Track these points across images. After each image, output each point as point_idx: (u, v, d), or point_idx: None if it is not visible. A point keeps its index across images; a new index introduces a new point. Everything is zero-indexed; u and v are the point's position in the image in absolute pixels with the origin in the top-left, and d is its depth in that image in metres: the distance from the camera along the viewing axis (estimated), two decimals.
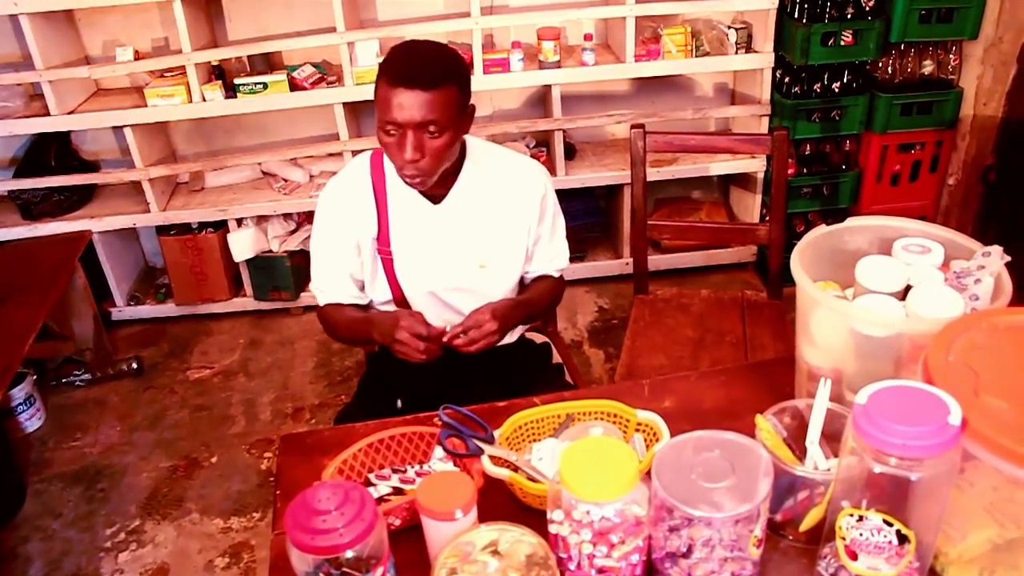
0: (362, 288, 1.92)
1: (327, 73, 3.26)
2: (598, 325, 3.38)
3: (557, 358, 2.15)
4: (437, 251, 1.84)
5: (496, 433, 1.44)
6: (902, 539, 1.08)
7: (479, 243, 1.86)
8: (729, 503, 1.12)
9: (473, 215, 1.83)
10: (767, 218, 2.40)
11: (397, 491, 1.42)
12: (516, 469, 1.38)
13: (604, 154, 3.56)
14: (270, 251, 3.40)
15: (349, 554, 1.11)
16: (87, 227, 3.33)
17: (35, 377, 3.09)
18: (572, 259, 2.04)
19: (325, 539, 1.10)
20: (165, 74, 3.20)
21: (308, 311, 3.54)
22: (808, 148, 3.37)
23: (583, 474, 1.16)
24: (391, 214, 1.82)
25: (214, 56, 3.14)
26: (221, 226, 3.40)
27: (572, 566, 1.21)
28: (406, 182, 1.71)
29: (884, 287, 1.42)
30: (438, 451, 1.47)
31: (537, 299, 1.95)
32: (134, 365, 3.28)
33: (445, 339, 1.71)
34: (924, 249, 1.48)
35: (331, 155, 3.40)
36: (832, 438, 1.30)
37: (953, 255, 1.47)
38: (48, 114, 3.14)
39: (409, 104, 1.57)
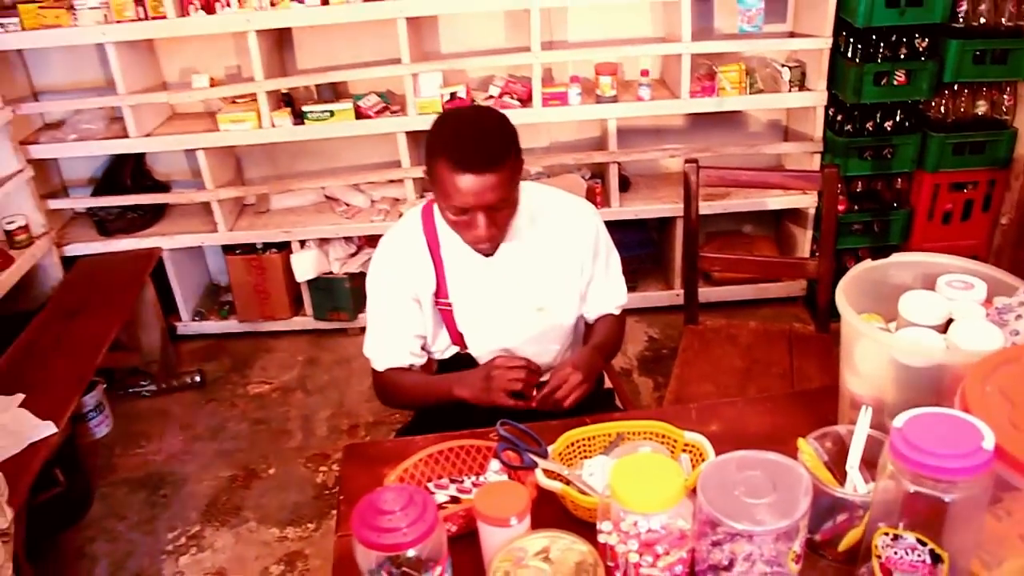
0: (422, 347, 1.96)
1: (391, 102, 3.40)
2: (648, 355, 3.44)
3: (608, 384, 2.22)
4: (494, 299, 1.88)
5: (550, 448, 1.52)
6: (936, 559, 1.13)
7: (535, 288, 1.89)
8: (770, 519, 1.18)
9: (526, 261, 1.87)
10: (817, 253, 2.45)
11: (454, 500, 1.50)
12: (568, 483, 1.45)
13: (657, 187, 3.63)
14: (331, 272, 3.53)
15: (411, 553, 1.19)
16: (158, 244, 3.49)
17: (105, 386, 3.23)
18: None
19: (389, 537, 1.18)
20: (237, 100, 3.36)
21: (364, 332, 3.65)
22: (860, 185, 3.42)
23: (632, 487, 1.23)
24: (447, 267, 1.86)
25: (284, 84, 3.30)
26: (285, 247, 3.53)
27: (619, 575, 1.28)
28: (478, 251, 1.77)
29: (926, 320, 1.47)
30: (494, 464, 1.54)
31: (606, 340, 1.98)
32: (197, 378, 3.42)
33: (536, 405, 1.73)
34: (967, 285, 1.53)
35: (392, 181, 3.53)
36: (872, 465, 1.35)
37: (996, 292, 1.52)
38: (127, 136, 3.31)
39: (479, 189, 1.61)
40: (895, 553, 1.16)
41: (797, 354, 2.42)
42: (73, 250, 3.48)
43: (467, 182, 1.60)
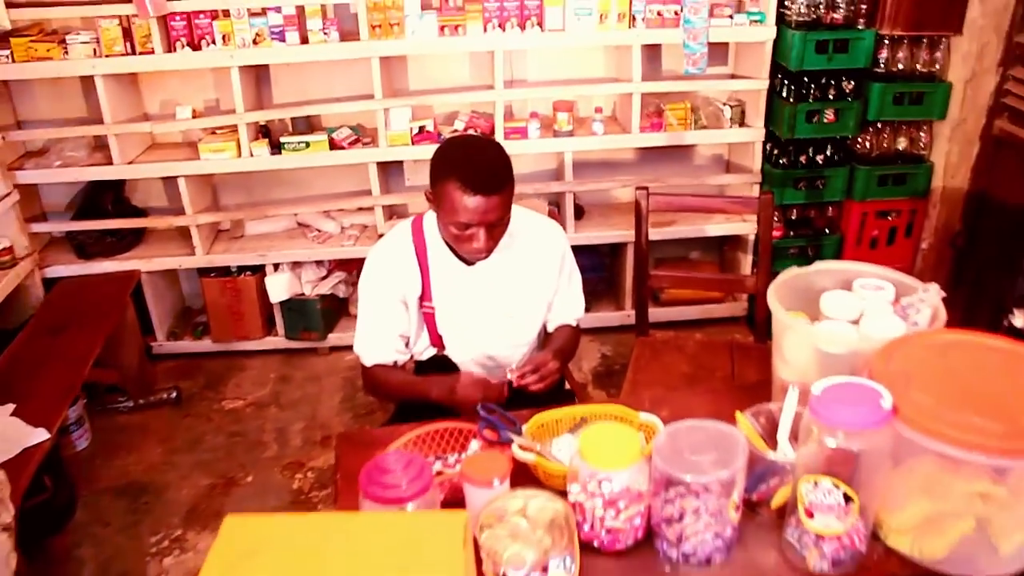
0: (406, 344, 2.18)
1: (362, 135, 3.62)
2: (601, 370, 3.68)
3: (567, 386, 2.45)
4: (472, 304, 2.12)
5: (523, 428, 1.74)
6: (848, 499, 1.37)
7: (507, 296, 2.14)
8: (712, 471, 1.42)
9: (502, 272, 2.11)
10: (756, 271, 2.72)
11: (439, 474, 1.71)
12: (540, 456, 1.68)
13: (610, 215, 3.89)
14: (302, 294, 3.71)
15: (409, 507, 1.40)
16: (136, 267, 3.65)
17: (85, 401, 3.37)
18: None
19: (393, 492, 1.40)
20: (216, 131, 3.55)
21: (335, 351, 3.84)
22: (795, 213, 3.73)
23: (598, 449, 1.46)
24: (432, 274, 2.09)
25: (263, 117, 3.51)
26: (258, 270, 3.72)
27: (587, 527, 1.50)
28: (472, 258, 2.01)
29: (843, 316, 1.74)
30: (474, 443, 1.76)
31: (566, 346, 2.23)
32: (173, 394, 3.57)
33: (514, 380, 1.96)
34: (878, 287, 1.80)
35: (361, 209, 3.74)
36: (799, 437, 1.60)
37: (903, 293, 1.80)
38: (111, 163, 3.48)
39: (485, 208, 1.86)
40: (816, 497, 1.40)
41: (738, 361, 2.67)
42: (54, 272, 3.62)
43: (475, 202, 1.85)
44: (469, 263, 2.07)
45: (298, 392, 3.62)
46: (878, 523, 1.50)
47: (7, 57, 3.26)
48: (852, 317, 1.74)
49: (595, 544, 1.51)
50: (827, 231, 3.72)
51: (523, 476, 1.65)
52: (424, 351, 2.20)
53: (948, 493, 1.43)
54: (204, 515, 2.97)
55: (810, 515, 1.41)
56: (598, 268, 4.00)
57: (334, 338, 3.81)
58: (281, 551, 1.11)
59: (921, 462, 1.43)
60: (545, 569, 1.37)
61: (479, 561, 1.38)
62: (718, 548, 1.48)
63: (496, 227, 1.93)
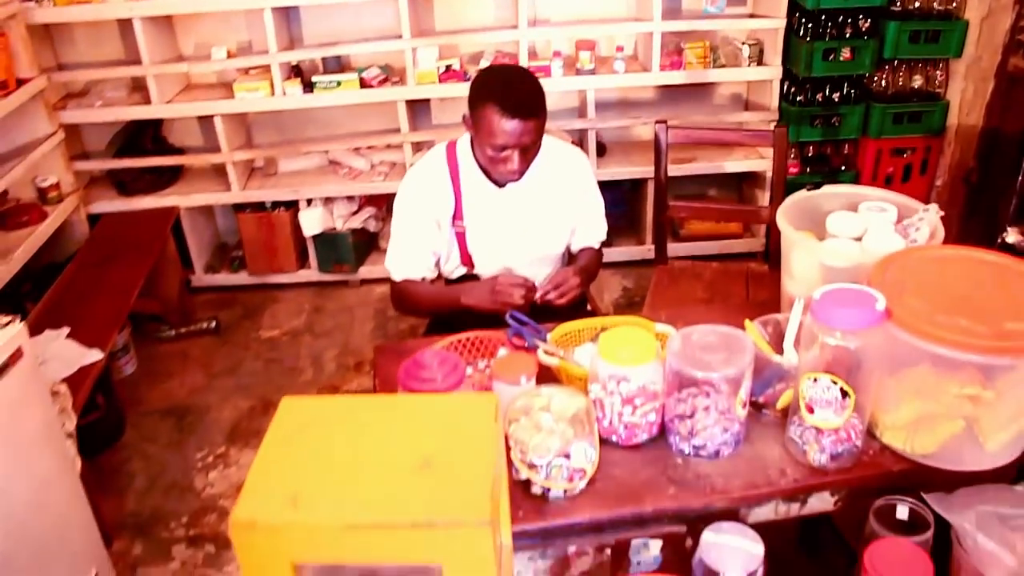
0: (436, 263, 2.32)
1: (390, 74, 3.73)
2: (622, 301, 3.82)
3: (589, 307, 2.59)
4: (501, 224, 2.26)
5: (548, 336, 1.89)
6: (844, 395, 1.51)
7: (535, 217, 2.28)
8: (722, 368, 1.56)
9: (530, 194, 2.25)
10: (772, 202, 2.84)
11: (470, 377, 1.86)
12: (562, 360, 1.82)
13: (631, 153, 4.00)
14: (334, 228, 3.87)
15: None
16: (175, 203, 3.81)
17: (130, 329, 3.55)
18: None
19: (429, 385, 1.55)
20: (250, 71, 3.68)
21: (365, 284, 4.00)
22: (811, 150, 3.82)
23: (617, 349, 1.60)
24: (464, 196, 2.23)
25: (295, 57, 3.63)
26: (292, 206, 3.87)
27: (605, 422, 1.65)
28: (505, 180, 2.14)
29: (847, 233, 1.86)
30: (502, 351, 1.91)
31: (589, 265, 2.37)
32: (213, 324, 3.75)
33: (538, 296, 2.11)
34: (882, 210, 1.92)
35: (390, 146, 3.87)
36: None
37: (906, 215, 1.91)
38: (150, 103, 3.62)
39: (522, 131, 2.00)
40: (815, 393, 1.53)
41: (752, 286, 2.80)
42: (97, 208, 3.79)
43: (512, 126, 1.99)
44: (500, 185, 2.21)
45: (331, 322, 3.79)
46: (874, 422, 1.64)
47: (48, 1, 3.39)
48: (856, 235, 1.86)
49: (613, 439, 1.66)
50: (843, 168, 3.81)
51: (547, 379, 1.79)
52: (454, 270, 2.34)
53: (940, 395, 1.56)
54: (245, 433, 3.15)
55: (810, 410, 1.55)
56: (619, 204, 4.11)
57: (365, 271, 3.97)
58: (332, 425, 1.26)
59: (916, 370, 1.57)
60: (567, 456, 1.52)
61: (507, 450, 1.53)
62: (726, 442, 1.62)
63: (529, 150, 2.07)
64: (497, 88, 2.03)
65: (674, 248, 3.86)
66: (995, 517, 1.48)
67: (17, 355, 2.01)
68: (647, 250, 3.96)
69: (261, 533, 1.12)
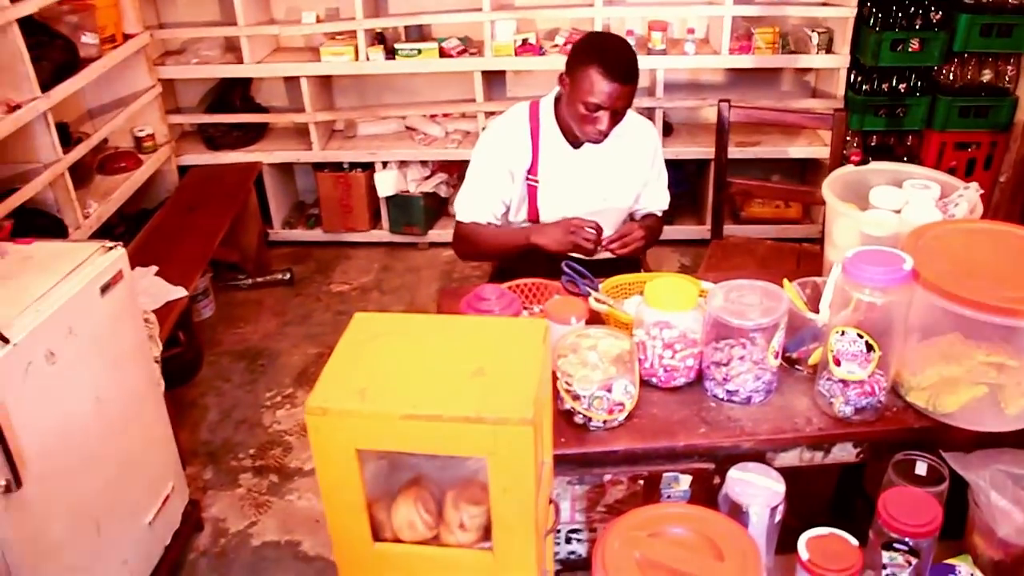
0: (504, 214, 2.48)
1: (469, 45, 3.89)
2: None
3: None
4: (573, 183, 2.41)
5: (600, 285, 2.03)
6: (870, 348, 1.62)
7: (604, 179, 2.43)
8: (757, 319, 1.69)
9: (602, 158, 2.40)
10: None
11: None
12: (611, 308, 1.96)
13: (696, 134, 4.10)
14: (407, 191, 4.05)
15: None
16: (259, 159, 4.03)
17: (211, 275, 3.79)
18: None
19: (487, 314, 1.71)
20: (336, 36, 3.88)
21: (433, 247, 4.18)
22: (875, 140, 3.88)
23: (661, 296, 1.73)
24: (541, 152, 2.39)
25: (379, 24, 3.82)
26: (368, 168, 4.06)
27: (647, 364, 1.78)
28: (590, 139, 2.28)
29: (888, 206, 1.96)
30: (555, 298, 2.06)
31: (652, 226, 2.51)
32: (287, 276, 3.97)
33: (604, 242, 2.27)
34: (925, 187, 2.01)
35: (465, 115, 4.04)
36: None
37: (948, 193, 2.01)
38: (242, 63, 3.84)
39: (618, 95, 2.17)
40: (842, 346, 1.65)
41: (804, 264, 2.90)
42: (186, 160, 4.03)
43: (610, 88, 2.15)
44: (576, 146, 2.36)
45: (398, 280, 3.98)
46: (899, 382, 1.75)
47: None
48: (897, 208, 1.96)
49: (653, 381, 1.80)
50: (905, 159, 3.86)
51: (598, 322, 1.94)
52: (522, 224, 2.49)
53: (966, 360, 1.66)
54: (312, 378, 3.34)
55: (837, 363, 1.66)
56: (682, 184, 4.21)
57: (434, 234, 4.15)
58: (398, 336, 1.43)
59: (946, 337, 1.67)
60: (609, 390, 1.67)
61: (555, 379, 1.68)
62: (757, 390, 1.75)
63: (619, 114, 2.23)
64: (602, 51, 2.19)
65: (733, 230, 3.96)
66: (1008, 477, 1.58)
67: (118, 277, 2.22)
68: (706, 230, 4.04)
69: (331, 419, 1.29)
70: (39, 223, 3.02)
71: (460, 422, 1.26)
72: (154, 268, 3.10)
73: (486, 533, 1.40)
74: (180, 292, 3.01)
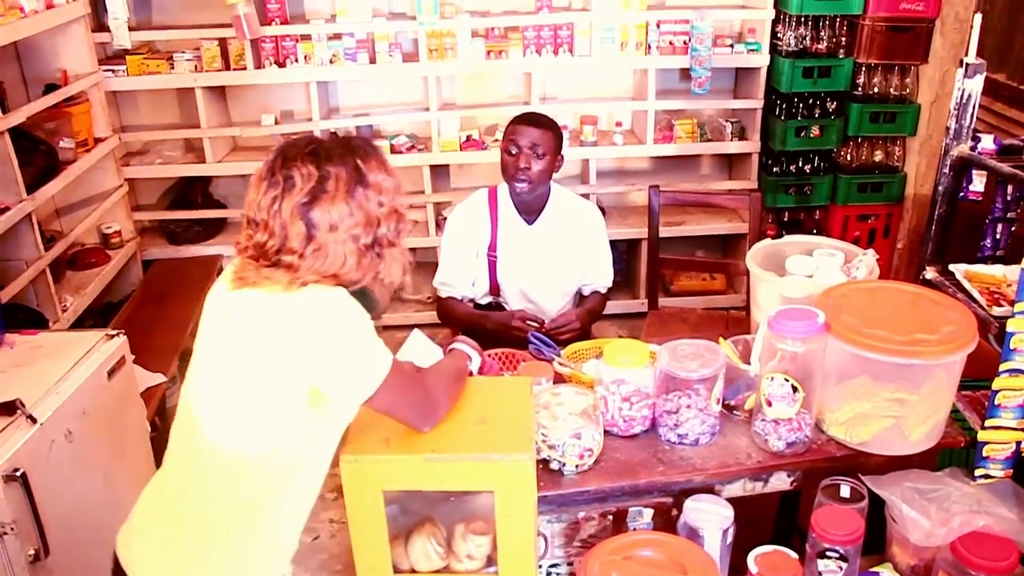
0: (472, 285, 2.79)
1: (416, 142, 4.22)
2: None
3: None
4: (527, 257, 2.73)
5: (562, 352, 2.33)
6: (795, 390, 1.94)
7: (555, 254, 2.75)
8: (701, 371, 1.99)
9: (552, 234, 2.74)
10: None
11: None
12: (573, 370, 2.25)
13: (627, 216, 4.47)
14: None
15: None
16: (220, 251, 4.26)
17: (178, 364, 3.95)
18: None
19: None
20: (292, 136, 4.16)
21: (387, 329, 4.39)
22: (786, 215, 4.31)
23: (618, 356, 2.03)
24: (499, 229, 2.72)
25: (333, 125, 4.12)
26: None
27: (608, 416, 2.06)
28: (516, 186, 2.61)
29: (802, 272, 2.32)
30: (522, 366, 2.34)
31: (595, 307, 2.85)
32: None
33: (546, 327, 2.57)
34: (831, 254, 2.38)
35: (412, 206, 4.34)
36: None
37: (850, 259, 2.37)
38: (204, 162, 4.10)
39: (527, 135, 2.56)
40: (772, 389, 1.96)
41: (732, 328, 3.24)
42: (148, 255, 4.23)
43: (519, 129, 2.58)
44: (530, 223, 2.69)
45: None
46: (821, 419, 2.06)
47: (124, 71, 3.89)
48: (809, 274, 2.32)
49: (615, 430, 2.07)
50: (815, 231, 4.29)
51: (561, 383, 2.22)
52: (483, 297, 2.79)
53: (874, 398, 1.99)
54: None
55: (769, 404, 1.97)
56: (617, 263, 4.50)
57: (387, 318, 4.38)
58: None
59: (856, 380, 2.00)
60: (579, 437, 1.94)
61: None
62: (704, 433, 2.04)
63: (536, 159, 2.57)
64: (520, 115, 2.67)
65: (665, 302, 4.30)
66: (916, 492, 1.88)
67: (122, 362, 2.44)
68: (640, 304, 4.40)
69: (362, 465, 1.55)
70: (21, 317, 3.18)
71: (471, 461, 1.53)
72: (132, 356, 3.27)
73: (491, 561, 1.66)
74: (160, 378, 3.20)
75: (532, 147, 2.57)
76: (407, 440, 1.57)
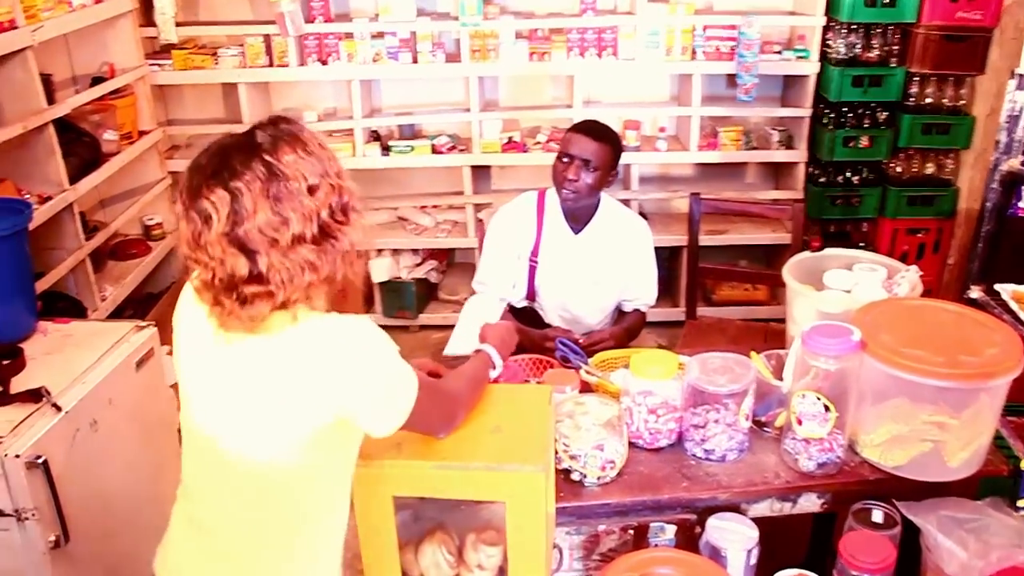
0: (512, 286, 2.73)
1: (457, 142, 4.21)
2: None
3: None
4: (569, 266, 2.67)
5: (590, 360, 2.28)
6: (827, 409, 1.87)
7: (598, 266, 2.69)
8: (730, 386, 1.93)
9: (599, 246, 2.68)
10: None
11: None
12: (600, 379, 2.21)
13: (669, 224, 4.39)
14: (400, 277, 4.30)
15: None
16: None
17: None
18: None
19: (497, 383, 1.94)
20: (333, 133, 4.17)
21: (424, 329, 4.41)
22: (833, 228, 4.21)
23: (645, 367, 1.98)
24: (544, 235, 2.67)
25: (375, 124, 4.13)
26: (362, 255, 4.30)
27: (634, 428, 2.02)
28: (564, 195, 2.56)
29: (840, 286, 2.25)
30: (551, 371, 2.30)
31: (632, 327, 2.78)
32: None
33: (581, 343, 2.51)
34: (873, 269, 2.30)
35: (453, 207, 4.33)
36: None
37: (893, 275, 2.30)
38: None
39: (582, 145, 2.50)
40: (804, 408, 1.90)
41: (770, 341, 3.15)
42: None
43: (574, 137, 2.51)
44: (576, 231, 2.64)
45: None
46: (855, 440, 1.99)
47: (170, 66, 3.93)
48: (847, 287, 2.24)
49: (639, 443, 2.02)
50: (862, 245, 4.18)
51: (587, 392, 2.18)
52: (520, 301, 2.74)
53: (912, 420, 1.91)
54: None
55: (799, 423, 1.91)
56: (659, 270, 4.50)
57: (424, 318, 4.38)
58: None
59: (894, 401, 1.93)
60: (601, 448, 1.90)
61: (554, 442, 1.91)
62: (731, 449, 1.99)
63: (587, 171, 2.51)
64: (580, 121, 2.61)
65: (707, 312, 4.23)
66: (953, 521, 1.82)
67: (150, 354, 2.45)
68: (681, 312, 4.31)
69: (373, 470, 1.52)
70: (60, 305, 3.22)
71: (482, 471, 1.50)
72: (167, 348, 3.30)
73: (502, 572, 1.62)
74: None
75: (585, 159, 2.50)
76: (419, 446, 1.54)
